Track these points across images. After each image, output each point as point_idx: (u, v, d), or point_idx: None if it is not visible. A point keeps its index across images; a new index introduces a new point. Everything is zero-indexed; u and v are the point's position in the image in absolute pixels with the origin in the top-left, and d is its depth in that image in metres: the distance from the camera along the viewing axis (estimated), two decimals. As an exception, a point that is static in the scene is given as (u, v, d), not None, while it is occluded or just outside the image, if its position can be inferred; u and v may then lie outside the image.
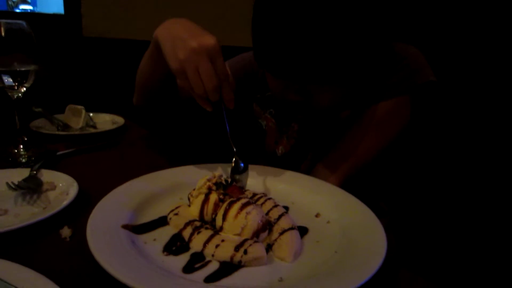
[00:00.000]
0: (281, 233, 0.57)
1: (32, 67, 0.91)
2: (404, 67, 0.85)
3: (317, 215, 0.67)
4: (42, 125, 1.20)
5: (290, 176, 0.81)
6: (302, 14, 0.68)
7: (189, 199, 0.66)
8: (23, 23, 0.90)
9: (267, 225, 0.59)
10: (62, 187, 0.73)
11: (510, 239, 1.34)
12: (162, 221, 0.62)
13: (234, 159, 0.76)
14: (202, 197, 0.63)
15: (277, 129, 1.04)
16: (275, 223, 0.60)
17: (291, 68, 0.73)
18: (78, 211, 0.65)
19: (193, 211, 0.63)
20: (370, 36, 0.71)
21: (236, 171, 0.75)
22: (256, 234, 0.56)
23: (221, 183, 0.65)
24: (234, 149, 0.77)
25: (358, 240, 0.56)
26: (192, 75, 0.68)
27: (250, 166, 0.81)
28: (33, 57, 0.91)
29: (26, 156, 0.94)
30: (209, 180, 0.65)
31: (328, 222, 0.64)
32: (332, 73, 0.72)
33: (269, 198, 0.67)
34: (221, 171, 0.69)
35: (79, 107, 1.21)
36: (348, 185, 0.76)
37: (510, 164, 1.34)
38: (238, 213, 0.57)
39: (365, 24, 0.69)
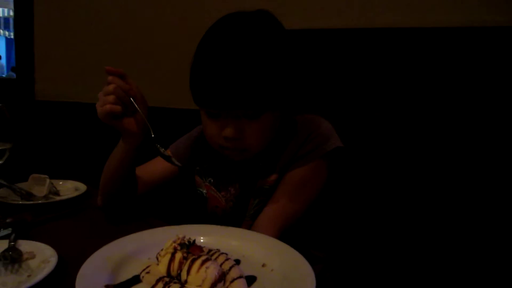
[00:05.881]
0: (231, 282, 0.72)
1: (7, 146, 1.01)
2: (315, 138, 1.09)
3: (263, 265, 0.82)
4: (5, 195, 1.25)
5: (240, 233, 0.97)
6: (223, 51, 0.94)
7: (157, 258, 0.80)
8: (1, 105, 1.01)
9: (223, 277, 0.74)
10: (41, 256, 0.82)
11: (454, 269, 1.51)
12: (135, 280, 0.75)
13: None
14: (169, 256, 0.77)
15: (217, 194, 1.22)
16: (227, 273, 0.75)
17: (222, 97, 0.95)
18: (58, 277, 0.75)
19: (162, 269, 0.76)
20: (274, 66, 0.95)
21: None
22: (214, 285, 0.71)
23: (184, 243, 0.80)
24: (152, 135, 1.01)
25: (294, 285, 0.72)
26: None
27: (208, 226, 0.97)
28: (9, 136, 1.02)
29: (-5, 226, 1.01)
30: (174, 241, 0.80)
31: (272, 270, 0.80)
32: (253, 97, 0.94)
33: (222, 253, 0.82)
34: (184, 233, 0.84)
35: (43, 176, 1.29)
36: (285, 236, 0.94)
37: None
38: (199, 268, 0.71)
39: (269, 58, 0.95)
